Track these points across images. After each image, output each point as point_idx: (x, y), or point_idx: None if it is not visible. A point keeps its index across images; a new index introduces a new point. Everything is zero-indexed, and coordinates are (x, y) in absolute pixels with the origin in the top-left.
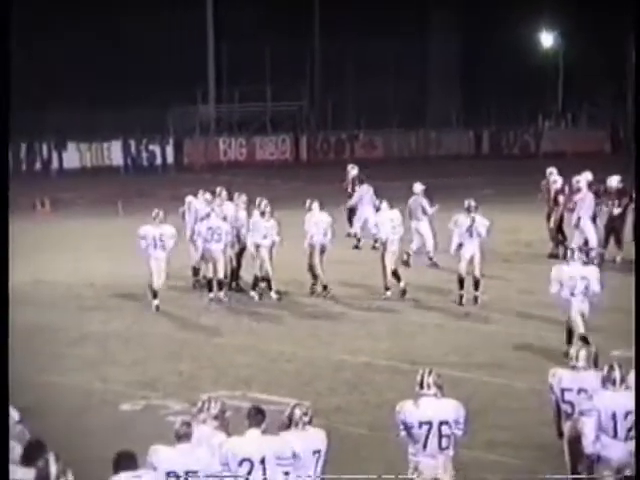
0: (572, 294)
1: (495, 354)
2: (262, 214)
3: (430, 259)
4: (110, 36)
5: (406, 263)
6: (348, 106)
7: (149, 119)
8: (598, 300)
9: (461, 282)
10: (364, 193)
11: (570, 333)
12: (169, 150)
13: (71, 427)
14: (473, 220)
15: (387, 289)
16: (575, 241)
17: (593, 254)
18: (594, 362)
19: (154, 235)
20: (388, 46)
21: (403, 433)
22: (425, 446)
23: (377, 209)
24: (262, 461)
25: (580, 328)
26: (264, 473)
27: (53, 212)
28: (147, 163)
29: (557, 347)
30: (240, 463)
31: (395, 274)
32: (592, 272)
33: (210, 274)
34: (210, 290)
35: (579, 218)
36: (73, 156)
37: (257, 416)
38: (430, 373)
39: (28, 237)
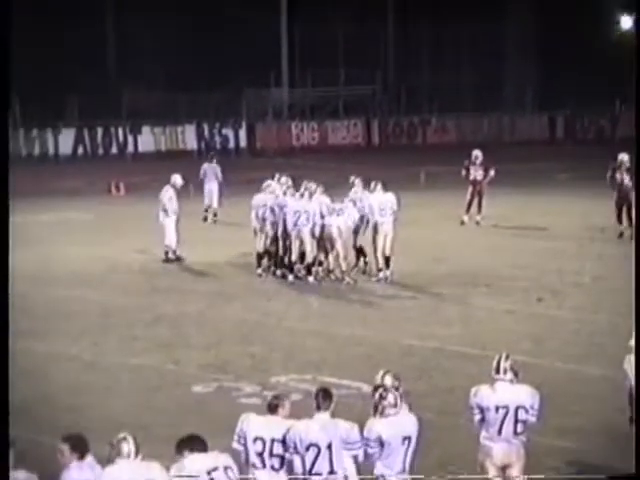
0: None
1: (567, 340)
2: (301, 195)
3: None
4: (185, 20)
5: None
6: (421, 90)
7: (222, 103)
8: None
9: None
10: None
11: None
12: (242, 134)
13: (144, 407)
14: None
15: (379, 270)
16: None
17: None
18: None
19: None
20: (462, 30)
21: (478, 417)
22: (500, 431)
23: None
24: (329, 446)
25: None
26: (330, 458)
27: (128, 195)
28: (220, 147)
29: (629, 333)
30: (307, 448)
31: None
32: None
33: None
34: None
35: None
36: (148, 140)
37: (325, 398)
38: (507, 358)
39: (104, 221)
